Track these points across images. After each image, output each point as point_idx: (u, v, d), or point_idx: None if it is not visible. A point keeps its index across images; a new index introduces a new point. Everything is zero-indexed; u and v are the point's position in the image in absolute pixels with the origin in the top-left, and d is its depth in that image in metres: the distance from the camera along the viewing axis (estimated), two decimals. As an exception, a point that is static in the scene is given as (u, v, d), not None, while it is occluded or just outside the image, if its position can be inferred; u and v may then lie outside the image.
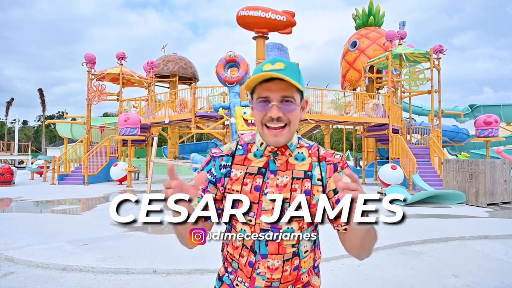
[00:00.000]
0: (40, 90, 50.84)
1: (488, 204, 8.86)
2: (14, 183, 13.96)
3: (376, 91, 17.96)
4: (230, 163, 1.11)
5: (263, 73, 0.99)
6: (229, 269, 1.15)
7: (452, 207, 8.73)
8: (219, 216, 1.05)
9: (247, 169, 1.09)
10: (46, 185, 14.08)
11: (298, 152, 1.11)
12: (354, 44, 20.33)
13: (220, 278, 1.19)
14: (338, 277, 3.77)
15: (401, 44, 15.51)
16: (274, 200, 1.01)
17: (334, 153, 1.12)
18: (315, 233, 1.14)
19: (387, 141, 14.73)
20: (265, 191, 1.06)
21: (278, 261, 1.07)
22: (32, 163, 27.18)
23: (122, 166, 14.35)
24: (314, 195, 1.07)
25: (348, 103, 14.12)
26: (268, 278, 1.07)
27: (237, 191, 1.08)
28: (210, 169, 1.12)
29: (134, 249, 4.62)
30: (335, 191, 1.06)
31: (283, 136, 1.04)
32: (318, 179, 1.08)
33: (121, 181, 14.23)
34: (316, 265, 1.20)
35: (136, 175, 17.08)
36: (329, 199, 1.07)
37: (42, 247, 4.66)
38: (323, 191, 1.08)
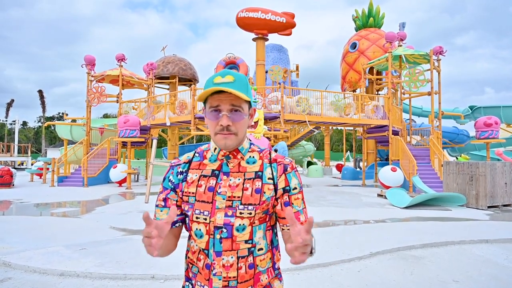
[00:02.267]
0: (40, 92, 50.92)
1: (489, 207, 8.83)
2: (13, 185, 13.95)
3: (376, 93, 17.94)
4: (186, 169, 1.22)
5: (214, 87, 1.09)
6: (190, 275, 1.21)
7: (452, 209, 8.71)
8: (183, 220, 1.23)
9: (201, 172, 1.20)
10: (45, 187, 14.04)
11: (250, 156, 1.21)
12: (354, 46, 20.33)
13: None
14: (337, 282, 3.74)
15: (401, 46, 15.50)
16: (226, 199, 1.13)
17: (284, 157, 1.24)
18: (271, 232, 1.22)
19: (387, 142, 14.71)
20: (218, 191, 1.15)
21: (232, 257, 1.13)
22: (32, 164, 27.16)
23: (121, 168, 14.32)
24: (265, 192, 1.16)
25: (348, 104, 14.09)
26: (224, 277, 1.12)
27: (193, 193, 1.17)
28: (169, 177, 1.23)
29: (132, 253, 4.59)
30: (284, 189, 1.18)
31: (231, 140, 1.14)
32: (269, 178, 1.18)
33: (120, 183, 14.20)
34: (276, 267, 1.24)
35: (135, 177, 17.06)
36: (278, 198, 1.19)
37: (40, 251, 4.63)
38: (275, 189, 1.17)
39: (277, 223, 1.23)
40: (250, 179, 1.16)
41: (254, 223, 1.14)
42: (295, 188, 1.19)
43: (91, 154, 14.79)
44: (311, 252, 0.99)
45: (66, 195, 11.20)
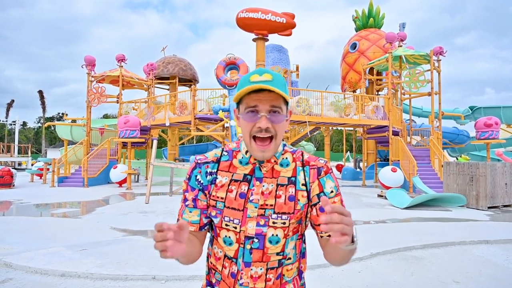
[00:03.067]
0: (41, 92, 50.91)
1: (489, 207, 8.84)
2: (13, 185, 13.95)
3: (376, 93, 17.95)
4: (216, 170, 1.11)
5: (254, 85, 0.99)
6: (213, 281, 1.14)
7: (452, 210, 8.71)
8: (210, 223, 1.15)
9: (232, 176, 1.09)
10: (45, 187, 14.05)
11: (283, 158, 1.12)
12: (354, 46, 20.34)
13: None
14: (338, 283, 3.75)
15: (401, 46, 15.51)
16: (258, 207, 1.05)
17: (318, 158, 1.14)
18: (301, 241, 1.15)
19: (387, 143, 14.72)
20: (250, 198, 1.06)
21: (261, 269, 1.07)
22: (32, 164, 27.17)
23: (122, 168, 14.33)
24: (299, 200, 1.07)
25: (348, 105, 14.11)
26: None
27: (222, 198, 1.08)
28: (196, 176, 1.11)
29: (133, 254, 4.60)
30: (319, 196, 1.08)
31: (270, 151, 1.05)
32: (302, 184, 1.09)
33: (121, 183, 14.21)
34: (302, 276, 1.18)
35: (136, 177, 17.06)
36: (313, 205, 1.09)
37: (41, 252, 4.64)
38: (308, 196, 1.09)
39: (314, 230, 1.13)
40: (283, 185, 1.08)
41: (288, 234, 1.08)
42: (332, 192, 1.10)
43: (91, 155, 14.79)
44: (352, 241, 0.90)
45: (67, 196, 11.21)
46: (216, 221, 1.10)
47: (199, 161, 1.14)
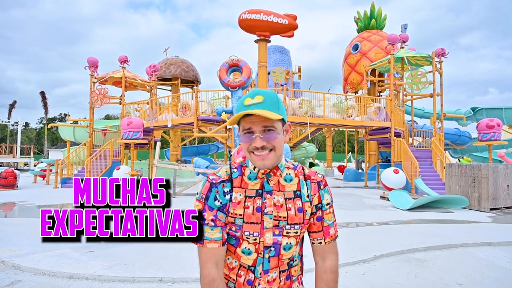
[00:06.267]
0: (43, 93, 51.04)
1: (491, 209, 8.86)
2: (17, 186, 14.02)
3: (378, 94, 17.97)
4: (230, 188, 1.18)
5: (243, 112, 1.09)
6: None
7: (454, 212, 8.74)
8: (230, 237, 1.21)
9: (245, 192, 1.18)
10: (49, 188, 14.13)
11: (287, 174, 1.21)
12: (356, 47, 20.38)
13: None
14: (343, 285, 3.79)
15: (403, 48, 15.54)
16: (273, 218, 1.16)
17: (316, 172, 1.25)
18: (301, 244, 1.29)
19: (389, 144, 14.75)
20: (265, 211, 1.16)
21: (275, 273, 1.19)
22: (34, 165, 27.26)
23: (125, 169, 14.37)
24: (306, 211, 1.19)
25: (350, 106, 14.14)
26: None
27: (240, 214, 1.16)
28: (215, 196, 1.17)
29: (140, 256, 4.65)
30: (317, 206, 1.22)
31: (269, 159, 1.12)
32: (306, 196, 1.20)
33: (123, 184, 14.24)
34: (302, 274, 1.34)
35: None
36: (312, 213, 1.22)
37: (48, 254, 4.69)
38: (311, 207, 1.21)
39: (308, 236, 1.28)
40: (290, 198, 1.18)
41: (298, 242, 1.21)
42: (328, 204, 1.24)
43: (94, 156, 14.86)
44: None
45: (70, 197, 11.22)
46: (237, 235, 1.18)
47: (214, 181, 1.19)
